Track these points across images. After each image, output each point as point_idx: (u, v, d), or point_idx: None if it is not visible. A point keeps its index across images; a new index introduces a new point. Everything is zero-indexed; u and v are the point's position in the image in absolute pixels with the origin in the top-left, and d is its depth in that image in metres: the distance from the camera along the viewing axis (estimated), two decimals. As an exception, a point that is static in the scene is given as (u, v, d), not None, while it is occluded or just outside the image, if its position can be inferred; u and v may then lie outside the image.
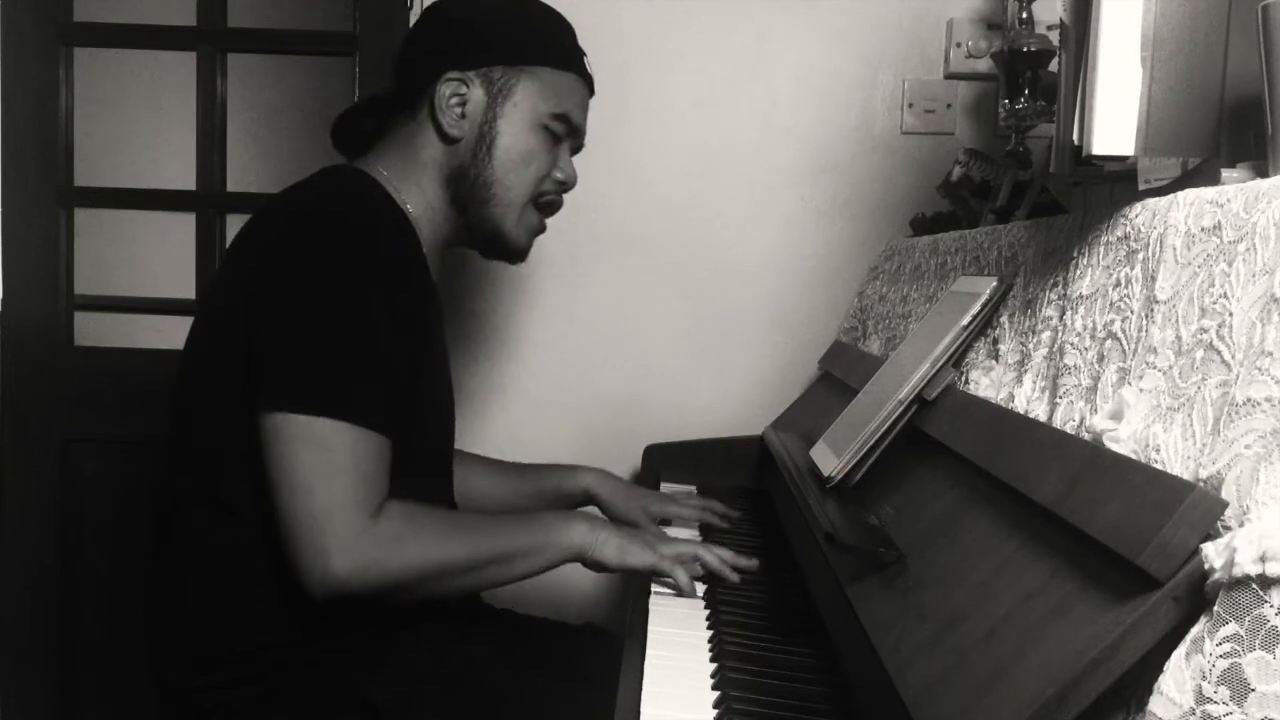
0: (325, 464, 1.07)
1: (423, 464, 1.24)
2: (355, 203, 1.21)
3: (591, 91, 1.38)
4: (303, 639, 1.18)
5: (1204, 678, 0.51)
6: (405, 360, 1.17)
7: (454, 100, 1.27)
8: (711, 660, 1.03)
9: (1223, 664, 0.50)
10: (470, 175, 1.29)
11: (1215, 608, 0.52)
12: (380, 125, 1.33)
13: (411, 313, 1.20)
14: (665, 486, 1.71)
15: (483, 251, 1.40)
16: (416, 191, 1.29)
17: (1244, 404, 0.57)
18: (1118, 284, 0.79)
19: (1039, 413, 0.87)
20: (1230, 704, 0.50)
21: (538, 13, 1.36)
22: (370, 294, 1.13)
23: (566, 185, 1.36)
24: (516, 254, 1.37)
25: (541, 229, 1.37)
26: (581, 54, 1.36)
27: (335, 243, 1.14)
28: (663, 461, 1.80)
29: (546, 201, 1.35)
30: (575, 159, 1.88)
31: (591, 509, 1.51)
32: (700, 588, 1.23)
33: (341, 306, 1.12)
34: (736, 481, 1.76)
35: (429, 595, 1.16)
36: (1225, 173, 0.80)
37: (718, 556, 1.25)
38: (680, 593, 1.20)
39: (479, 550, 1.17)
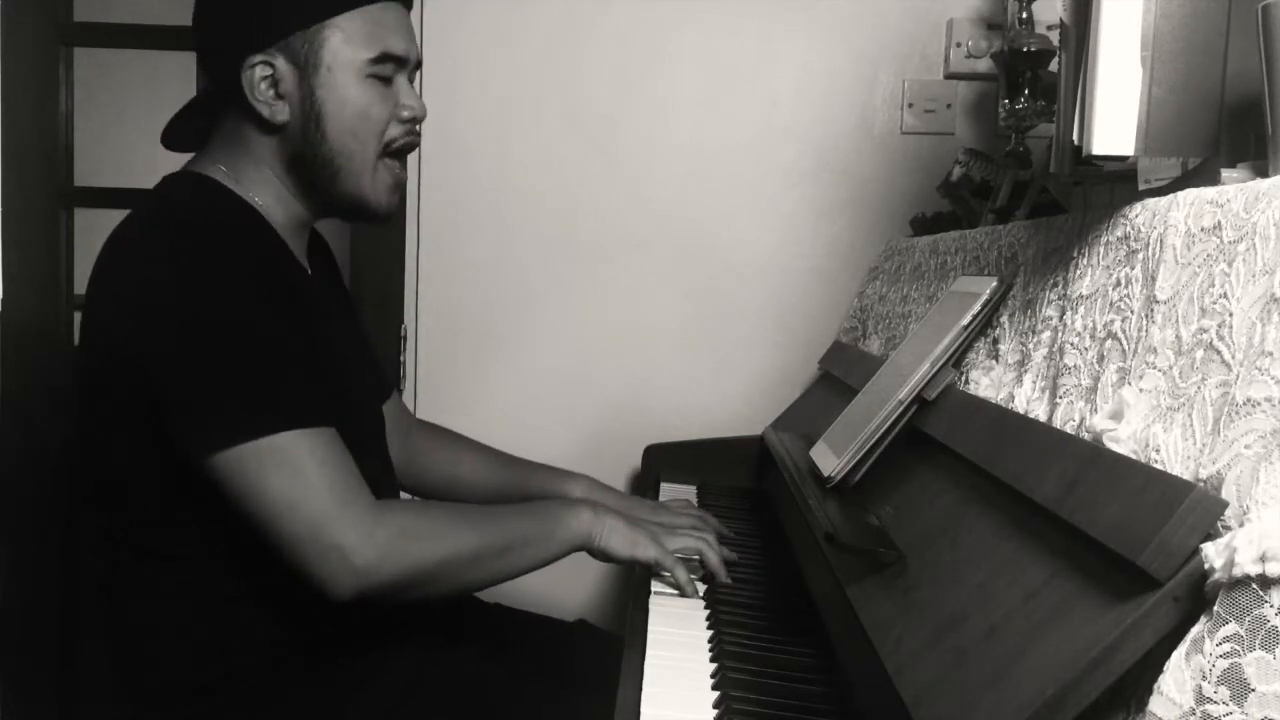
0: (296, 476, 1.04)
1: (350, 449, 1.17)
2: (204, 219, 1.14)
3: (408, 6, 1.24)
4: (267, 665, 1.15)
5: (1204, 678, 0.51)
6: (306, 352, 1.12)
7: (264, 84, 1.16)
8: (711, 660, 1.03)
9: (1223, 664, 0.50)
10: (308, 157, 1.19)
11: (1215, 608, 0.52)
12: (209, 120, 1.24)
13: (289, 306, 1.14)
14: (665, 486, 1.71)
15: (345, 219, 1.32)
16: (260, 182, 1.21)
17: (1244, 404, 0.57)
18: (1118, 284, 0.79)
19: (1039, 413, 0.87)
20: (1230, 704, 0.50)
21: None
22: (246, 300, 1.08)
23: (415, 120, 1.23)
24: (380, 216, 1.26)
25: (402, 179, 1.25)
26: None
27: (197, 268, 1.08)
28: (663, 462, 1.80)
29: (398, 147, 1.23)
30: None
31: None
32: (701, 587, 1.23)
33: (228, 324, 1.07)
34: (736, 481, 1.76)
35: (452, 586, 1.14)
36: (1225, 173, 0.80)
37: (719, 556, 1.26)
38: (681, 592, 1.21)
39: (491, 537, 1.14)
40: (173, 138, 1.29)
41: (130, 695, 1.21)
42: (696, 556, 1.26)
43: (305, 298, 1.21)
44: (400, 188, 1.26)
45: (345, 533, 1.04)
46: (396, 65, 1.21)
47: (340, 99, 1.17)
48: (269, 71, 1.16)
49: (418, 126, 1.25)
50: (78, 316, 2.07)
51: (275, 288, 1.13)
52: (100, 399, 1.14)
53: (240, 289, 1.08)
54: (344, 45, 1.17)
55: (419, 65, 1.26)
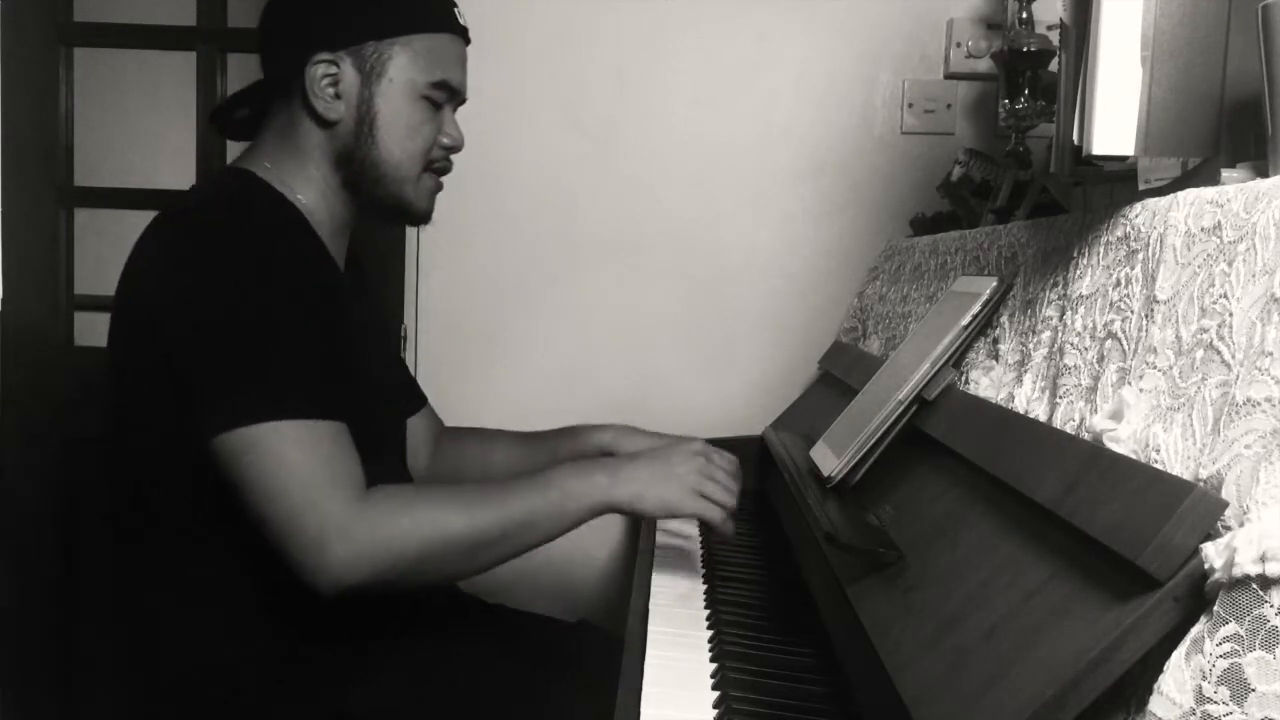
0: (286, 464, 1.05)
1: (366, 447, 1.19)
2: (240, 211, 1.18)
3: (467, 41, 1.33)
4: (270, 655, 1.16)
5: (1204, 678, 0.51)
6: (326, 347, 1.15)
7: (326, 83, 1.22)
8: (711, 660, 1.03)
9: (1223, 664, 0.50)
10: (356, 158, 1.25)
11: (1215, 608, 0.52)
12: (259, 111, 1.30)
13: (318, 305, 1.17)
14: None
15: (387, 220, 1.38)
16: (304, 180, 1.26)
17: (1244, 404, 0.57)
18: (1118, 284, 0.79)
19: (1039, 413, 0.87)
20: (1230, 704, 0.50)
21: None
22: (271, 294, 1.11)
23: (454, 149, 1.32)
24: (420, 219, 1.33)
25: (439, 188, 1.33)
26: (450, 6, 1.30)
27: (226, 255, 1.12)
28: (663, 461, 1.80)
29: (438, 168, 1.32)
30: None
31: None
32: (700, 587, 1.23)
33: (247, 314, 1.10)
34: (736, 482, 1.76)
35: (443, 574, 1.14)
36: (1225, 173, 0.80)
37: (728, 508, 1.21)
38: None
39: (483, 520, 1.12)
40: (223, 122, 1.34)
41: (144, 681, 1.22)
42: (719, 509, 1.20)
43: (336, 297, 1.24)
44: (436, 193, 1.34)
45: (323, 526, 1.05)
46: (449, 95, 1.29)
47: (395, 111, 1.24)
48: (333, 71, 1.22)
49: (453, 155, 1.33)
50: (78, 316, 2.10)
51: (304, 284, 1.16)
52: (129, 381, 1.17)
53: (266, 280, 1.12)
54: (410, 63, 1.24)
55: (464, 101, 1.33)
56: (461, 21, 1.31)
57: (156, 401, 1.14)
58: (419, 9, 1.26)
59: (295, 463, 1.06)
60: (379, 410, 1.32)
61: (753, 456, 1.77)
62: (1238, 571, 0.50)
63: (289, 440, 1.06)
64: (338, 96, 1.23)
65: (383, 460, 1.28)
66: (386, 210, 1.31)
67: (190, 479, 1.14)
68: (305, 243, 1.23)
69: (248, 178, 1.24)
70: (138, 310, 1.16)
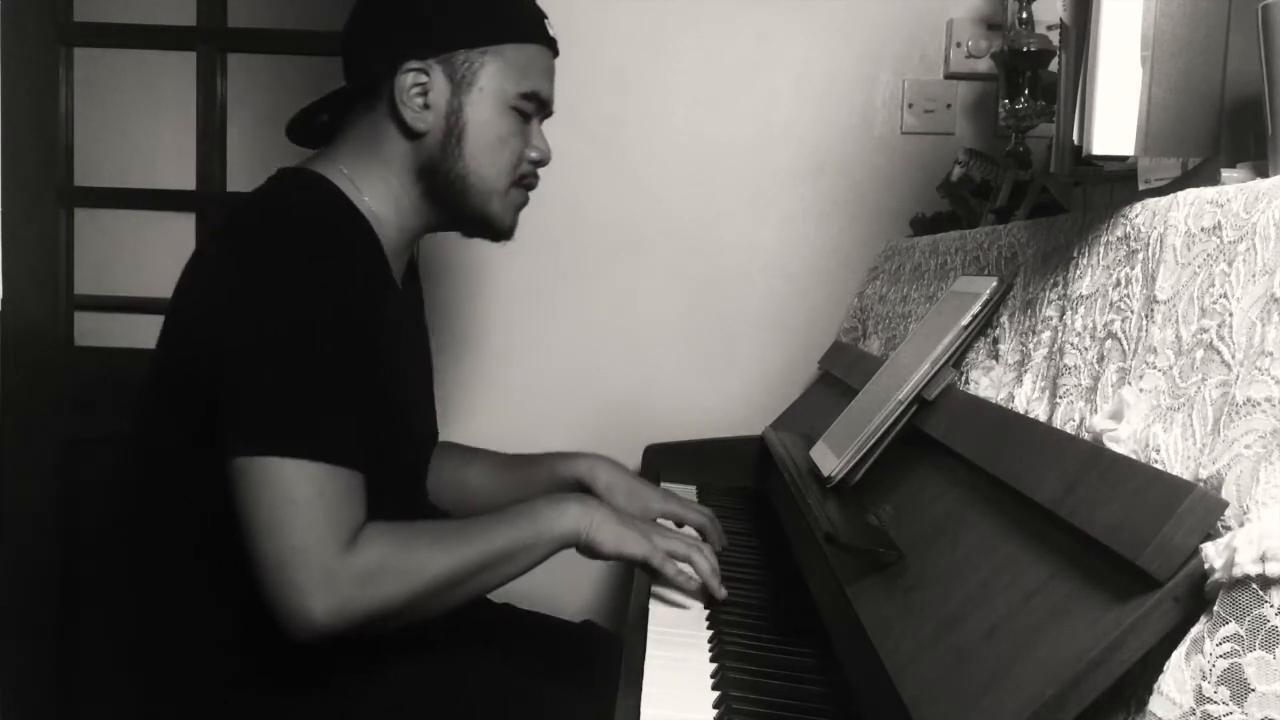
0: (291, 504, 1.03)
1: (397, 482, 1.19)
2: (307, 225, 1.14)
3: (556, 53, 1.30)
4: (271, 654, 1.14)
5: (1204, 678, 0.51)
6: (370, 381, 1.13)
7: (415, 91, 1.20)
8: (711, 660, 1.03)
9: (1223, 664, 0.50)
10: (442, 169, 1.23)
11: (1215, 608, 0.52)
12: (338, 117, 1.27)
13: (371, 328, 1.15)
14: (665, 486, 1.70)
15: (467, 233, 1.35)
16: (382, 188, 1.23)
17: (1244, 404, 0.57)
18: (1118, 284, 0.79)
19: (1039, 413, 0.87)
20: (1230, 704, 0.50)
21: None
22: (325, 320, 1.08)
23: (542, 162, 1.30)
24: (504, 235, 1.31)
25: (526, 202, 1.32)
26: (542, 17, 1.28)
27: (285, 274, 1.09)
28: (663, 461, 1.80)
29: (527, 184, 1.30)
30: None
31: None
32: (694, 576, 1.23)
33: (296, 339, 1.07)
34: (736, 481, 1.76)
35: (421, 616, 1.12)
36: (1225, 173, 0.80)
37: (710, 564, 1.20)
38: (672, 583, 1.19)
39: (466, 559, 1.12)
40: (298, 131, 1.31)
41: (144, 681, 1.22)
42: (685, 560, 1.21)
43: (393, 319, 1.22)
44: (521, 208, 1.32)
45: (311, 577, 1.03)
46: (538, 106, 1.28)
47: (484, 121, 1.23)
48: (423, 80, 1.20)
49: (542, 168, 1.31)
50: (78, 316, 2.10)
51: (363, 313, 1.13)
52: (169, 381, 1.16)
53: (327, 308, 1.09)
54: (500, 73, 1.22)
55: (551, 114, 1.31)
56: (551, 33, 1.29)
57: (191, 404, 1.12)
58: (512, 18, 1.25)
59: (301, 506, 1.04)
60: (417, 439, 1.31)
61: (753, 456, 1.78)
62: (1238, 571, 0.51)
63: (302, 481, 1.04)
64: (426, 106, 1.21)
65: (410, 494, 1.28)
66: (470, 224, 1.29)
67: (210, 484, 1.12)
68: (371, 257, 1.19)
69: (321, 183, 1.20)
70: (189, 313, 1.15)
